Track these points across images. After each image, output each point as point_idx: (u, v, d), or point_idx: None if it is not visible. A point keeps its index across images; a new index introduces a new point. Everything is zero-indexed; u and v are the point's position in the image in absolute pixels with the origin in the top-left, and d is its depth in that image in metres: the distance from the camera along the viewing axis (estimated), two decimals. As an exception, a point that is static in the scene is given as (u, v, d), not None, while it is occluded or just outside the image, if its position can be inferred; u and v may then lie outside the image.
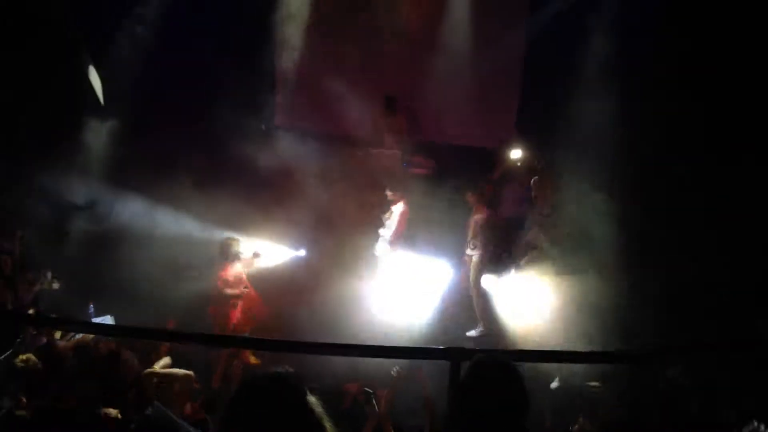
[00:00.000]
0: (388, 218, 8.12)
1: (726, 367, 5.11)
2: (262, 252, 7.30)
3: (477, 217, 7.59)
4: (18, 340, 5.23)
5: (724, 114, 7.74)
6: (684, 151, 7.87)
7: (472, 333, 7.71)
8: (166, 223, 8.10)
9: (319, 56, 9.77)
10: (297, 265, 8.43)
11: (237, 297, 6.60)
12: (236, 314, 6.64)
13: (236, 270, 6.70)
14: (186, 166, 8.37)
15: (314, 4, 9.79)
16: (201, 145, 9.07)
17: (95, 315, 6.50)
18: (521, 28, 9.80)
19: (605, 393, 5.11)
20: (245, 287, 6.64)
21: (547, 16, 9.29)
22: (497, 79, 9.93)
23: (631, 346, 6.35)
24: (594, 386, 5.06)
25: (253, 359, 6.88)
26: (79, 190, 8.17)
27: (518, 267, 7.42)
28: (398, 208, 7.94)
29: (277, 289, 7.39)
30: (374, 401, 4.35)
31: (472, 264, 7.74)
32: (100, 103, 9.14)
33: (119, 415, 4.17)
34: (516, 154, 8.83)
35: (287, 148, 8.97)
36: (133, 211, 8.13)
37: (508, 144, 8.98)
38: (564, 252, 7.40)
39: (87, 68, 8.98)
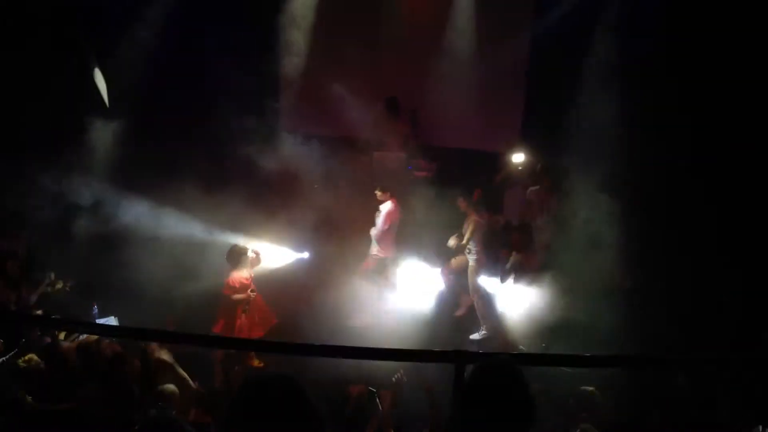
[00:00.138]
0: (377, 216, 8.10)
1: (730, 374, 5.09)
2: (263, 253, 7.27)
3: (469, 221, 7.61)
4: (22, 340, 5.25)
5: (728, 114, 7.73)
6: (690, 153, 7.86)
7: (475, 336, 7.71)
8: (170, 224, 8.10)
9: (323, 59, 9.78)
10: (300, 268, 8.44)
11: (245, 302, 6.58)
12: (243, 322, 6.62)
13: (243, 275, 6.68)
14: (190, 167, 8.38)
15: (319, 8, 9.80)
16: (205, 146, 9.09)
17: (99, 316, 6.51)
18: (526, 30, 9.80)
19: (605, 397, 5.08)
20: (252, 291, 6.61)
21: (552, 19, 9.28)
22: (502, 82, 9.93)
23: (633, 351, 6.34)
24: (591, 390, 5.02)
25: (256, 362, 6.88)
26: (83, 191, 8.17)
27: (514, 270, 7.38)
28: (385, 207, 7.93)
29: (281, 292, 7.39)
30: (377, 400, 4.34)
31: (470, 268, 7.75)
32: (104, 104, 9.17)
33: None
34: (519, 158, 8.82)
35: (291, 150, 8.97)
36: (138, 212, 8.13)
37: (512, 147, 8.97)
38: (567, 254, 7.40)
39: (92, 69, 9.01)
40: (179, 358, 5.33)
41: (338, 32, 9.81)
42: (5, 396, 4.21)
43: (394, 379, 4.64)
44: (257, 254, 7.00)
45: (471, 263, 7.72)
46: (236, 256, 6.68)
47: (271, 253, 7.93)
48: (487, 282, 7.76)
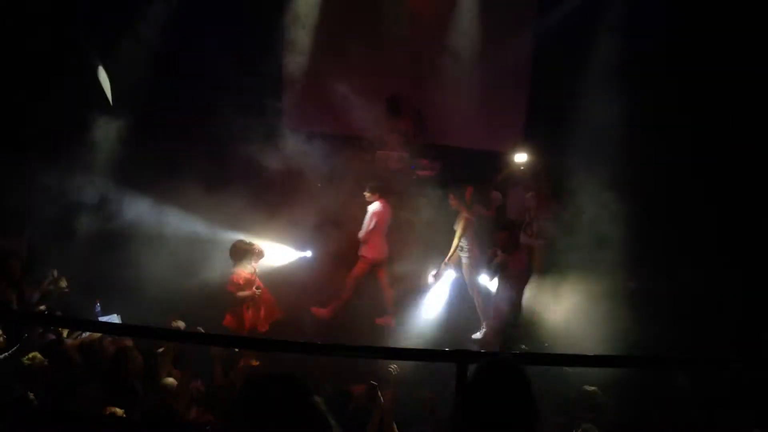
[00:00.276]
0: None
1: (730, 374, 5.09)
2: (266, 251, 7.27)
3: (461, 219, 7.62)
4: (25, 336, 5.26)
5: (732, 115, 7.73)
6: (693, 153, 7.87)
7: (477, 335, 7.70)
8: (173, 222, 8.12)
9: (326, 58, 9.79)
10: (303, 267, 8.45)
11: (250, 299, 6.58)
12: (250, 316, 6.62)
13: (247, 272, 6.67)
14: (193, 166, 8.40)
15: (322, 7, 9.81)
16: (208, 145, 9.11)
17: (102, 314, 6.52)
18: (529, 30, 9.80)
19: (607, 397, 5.09)
20: (258, 288, 6.61)
21: (556, 19, 9.28)
22: (505, 81, 9.93)
23: (637, 351, 6.34)
24: (594, 390, 5.03)
25: (254, 362, 6.88)
26: (85, 190, 8.19)
27: (498, 270, 7.34)
28: (372, 207, 7.93)
29: (283, 291, 7.40)
30: (379, 393, 4.37)
31: (464, 266, 7.77)
32: (108, 102, 9.18)
33: (124, 415, 4.18)
34: (521, 158, 8.82)
35: (295, 149, 8.98)
36: (141, 210, 8.15)
37: (515, 147, 8.98)
38: (569, 254, 7.40)
39: (96, 68, 9.02)
40: (180, 356, 5.35)
41: (341, 31, 9.82)
42: (9, 394, 4.23)
43: (392, 371, 4.66)
44: (260, 249, 6.98)
45: (464, 261, 7.74)
46: (240, 251, 6.65)
47: (274, 252, 7.94)
48: (486, 279, 7.77)
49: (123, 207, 8.15)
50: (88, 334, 5.53)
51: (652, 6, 8.43)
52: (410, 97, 9.86)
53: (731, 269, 7.10)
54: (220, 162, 9.07)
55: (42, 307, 6.31)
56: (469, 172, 9.00)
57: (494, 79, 9.76)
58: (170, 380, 4.77)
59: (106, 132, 8.55)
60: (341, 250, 8.37)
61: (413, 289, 8.16)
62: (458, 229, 7.60)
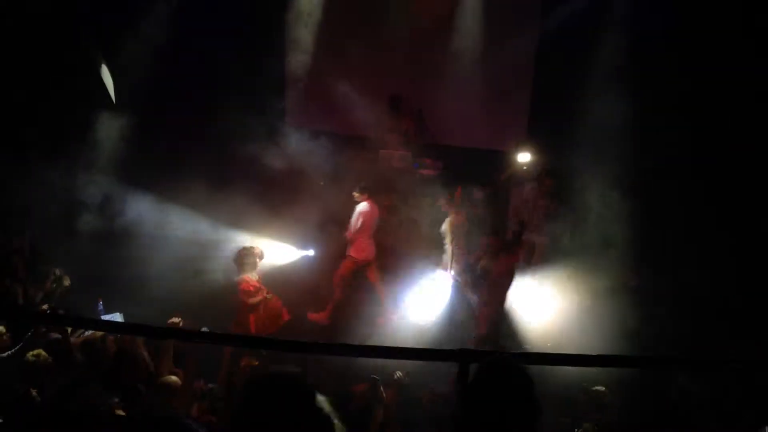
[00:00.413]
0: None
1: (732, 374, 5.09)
2: (266, 250, 7.28)
3: (449, 221, 7.62)
4: (28, 334, 5.27)
5: (734, 116, 7.72)
6: (694, 153, 7.86)
7: (477, 335, 7.68)
8: (175, 221, 8.13)
9: (329, 57, 9.78)
10: (305, 266, 8.45)
11: (262, 303, 6.61)
12: (257, 321, 6.63)
13: (255, 279, 6.69)
14: (195, 164, 8.40)
15: (325, 5, 9.80)
16: (210, 143, 9.10)
17: (104, 312, 6.53)
18: (533, 29, 9.78)
19: (609, 397, 5.09)
20: (267, 293, 6.64)
21: (559, 18, 9.26)
22: (509, 81, 9.90)
23: (640, 351, 6.34)
24: (602, 390, 5.03)
25: (255, 362, 6.87)
26: (88, 188, 8.20)
27: (481, 274, 7.31)
28: (360, 207, 7.94)
29: (284, 291, 7.41)
30: (381, 388, 4.38)
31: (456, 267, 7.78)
32: (111, 101, 9.18)
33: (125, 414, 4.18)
34: (524, 157, 8.82)
35: (297, 148, 8.98)
36: (143, 209, 8.16)
37: (518, 147, 8.97)
38: (571, 254, 7.40)
39: (99, 66, 9.02)
40: (183, 355, 5.36)
41: (344, 30, 9.80)
42: (13, 391, 4.23)
43: (396, 376, 4.67)
44: (261, 251, 6.99)
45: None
46: (245, 258, 6.68)
47: (276, 251, 7.95)
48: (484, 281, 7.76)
49: (125, 206, 8.16)
50: (90, 332, 5.53)
51: (655, 6, 8.41)
52: (413, 97, 9.83)
53: (732, 269, 7.09)
54: (223, 160, 9.07)
55: (45, 306, 6.32)
56: (472, 172, 9.02)
57: (497, 78, 9.73)
58: (173, 378, 4.76)
59: (109, 131, 8.55)
60: (343, 249, 8.37)
61: (413, 289, 8.16)
62: (446, 230, 7.61)
